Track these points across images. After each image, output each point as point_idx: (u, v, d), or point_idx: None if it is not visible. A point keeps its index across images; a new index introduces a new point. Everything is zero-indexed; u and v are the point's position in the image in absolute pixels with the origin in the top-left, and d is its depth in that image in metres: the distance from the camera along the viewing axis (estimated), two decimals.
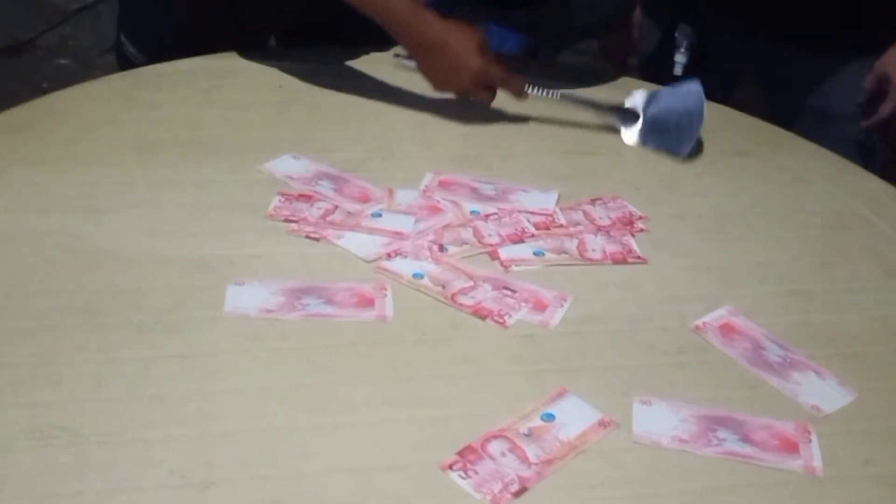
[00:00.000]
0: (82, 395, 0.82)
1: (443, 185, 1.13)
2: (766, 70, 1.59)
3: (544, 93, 1.23)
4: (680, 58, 1.51)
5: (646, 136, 1.24)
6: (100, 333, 0.88)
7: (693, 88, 1.23)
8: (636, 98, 1.26)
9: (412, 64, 1.22)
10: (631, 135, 1.24)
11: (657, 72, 1.51)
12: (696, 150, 1.23)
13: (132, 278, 0.95)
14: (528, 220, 1.07)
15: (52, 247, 0.98)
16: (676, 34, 1.51)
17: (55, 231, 1.00)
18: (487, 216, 1.08)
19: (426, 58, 1.20)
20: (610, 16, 1.37)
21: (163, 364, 0.86)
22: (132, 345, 0.88)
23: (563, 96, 1.23)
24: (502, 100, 1.28)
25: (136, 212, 1.04)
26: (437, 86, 1.22)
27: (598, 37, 1.44)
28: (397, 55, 1.24)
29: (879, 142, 1.51)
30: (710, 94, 1.42)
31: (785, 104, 1.56)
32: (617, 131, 1.24)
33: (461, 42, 1.18)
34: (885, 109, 1.45)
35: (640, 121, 1.24)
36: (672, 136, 1.22)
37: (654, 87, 1.32)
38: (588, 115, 1.25)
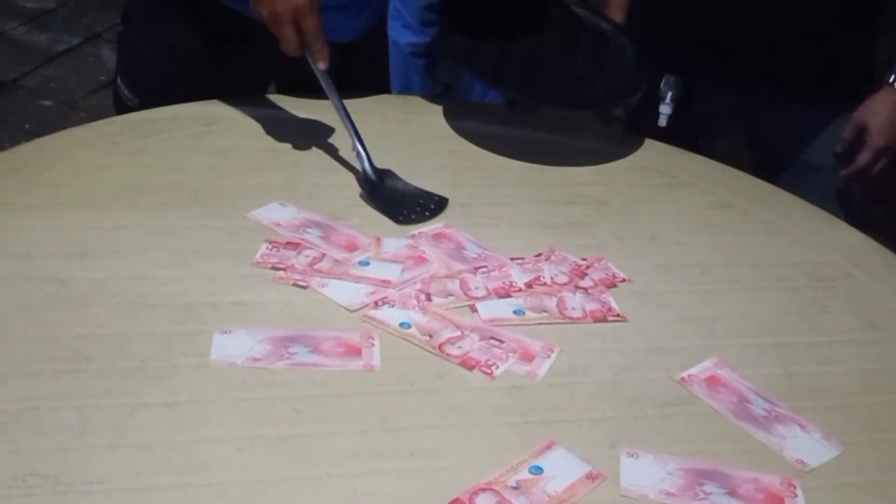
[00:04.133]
0: (65, 442, 0.81)
1: (436, 236, 1.13)
2: (749, 121, 1.61)
3: (329, 91, 1.18)
4: (665, 109, 1.53)
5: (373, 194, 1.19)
6: (83, 380, 0.88)
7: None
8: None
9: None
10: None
11: (642, 123, 1.53)
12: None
13: (117, 324, 0.95)
14: (518, 273, 1.08)
15: (36, 292, 0.97)
16: (661, 85, 1.53)
17: (39, 276, 1.00)
18: (477, 269, 1.08)
19: None
20: (608, 96, 1.37)
21: (147, 412, 0.85)
22: (116, 392, 0.87)
23: (341, 111, 1.18)
24: (488, 145, 1.29)
25: (121, 257, 1.04)
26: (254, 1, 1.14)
27: (597, 111, 1.43)
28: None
29: (858, 191, 1.53)
30: (694, 145, 1.45)
31: (768, 155, 1.59)
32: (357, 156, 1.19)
33: None
34: (862, 159, 1.47)
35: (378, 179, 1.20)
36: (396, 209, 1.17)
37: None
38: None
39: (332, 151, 1.26)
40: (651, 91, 1.55)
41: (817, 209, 1.31)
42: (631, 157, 1.37)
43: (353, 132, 1.20)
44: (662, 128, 1.52)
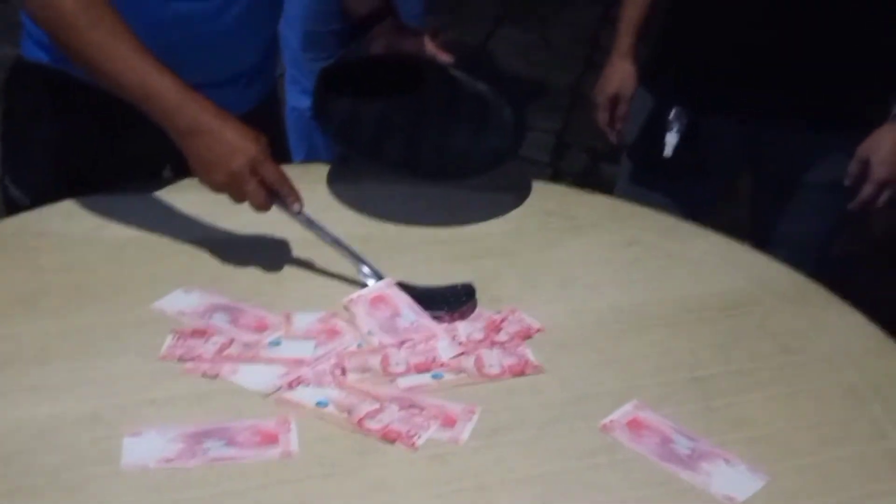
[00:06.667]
0: None
1: (374, 301, 1.11)
2: (754, 150, 1.60)
3: (314, 227, 1.14)
4: (671, 138, 1.53)
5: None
6: None
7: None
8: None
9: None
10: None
11: (646, 151, 1.52)
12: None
13: (21, 440, 0.91)
14: (445, 347, 1.06)
15: None
16: (671, 116, 1.53)
17: None
18: (402, 342, 1.06)
19: (198, 142, 1.08)
20: (489, 160, 1.36)
21: None
22: None
23: (334, 241, 1.15)
24: (394, 207, 1.29)
25: (21, 367, 1.00)
26: (207, 171, 1.09)
27: (474, 177, 1.42)
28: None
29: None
30: (701, 176, 1.51)
31: (770, 181, 1.61)
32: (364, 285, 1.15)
33: (240, 128, 1.09)
34: (865, 192, 1.51)
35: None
36: None
37: None
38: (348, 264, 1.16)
39: (232, 231, 1.24)
40: (657, 122, 1.55)
41: (723, 238, 1.33)
42: (534, 204, 1.38)
43: (358, 260, 1.15)
44: (668, 158, 1.52)
